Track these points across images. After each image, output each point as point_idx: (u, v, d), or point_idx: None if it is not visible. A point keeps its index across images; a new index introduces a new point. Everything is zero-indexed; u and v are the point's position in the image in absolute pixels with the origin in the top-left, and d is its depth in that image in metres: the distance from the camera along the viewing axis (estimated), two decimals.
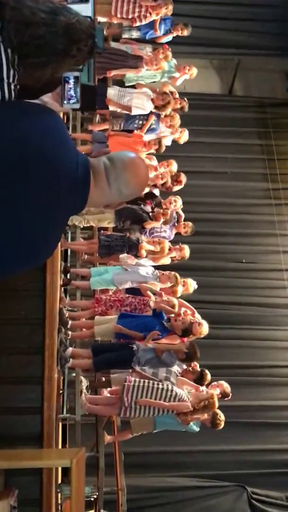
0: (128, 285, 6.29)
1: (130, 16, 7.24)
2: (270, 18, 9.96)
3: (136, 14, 7.22)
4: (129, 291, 6.26)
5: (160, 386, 5.20)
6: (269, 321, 9.38)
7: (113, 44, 7.38)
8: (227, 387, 5.74)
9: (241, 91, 11.01)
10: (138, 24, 7.34)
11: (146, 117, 7.05)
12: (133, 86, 7.33)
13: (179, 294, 6.43)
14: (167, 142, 7.34)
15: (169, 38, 7.67)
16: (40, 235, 1.94)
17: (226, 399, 5.73)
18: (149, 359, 5.45)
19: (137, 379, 5.22)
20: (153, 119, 7.03)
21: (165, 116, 7.17)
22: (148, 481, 7.70)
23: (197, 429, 5.58)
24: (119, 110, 7.08)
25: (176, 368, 5.50)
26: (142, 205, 6.90)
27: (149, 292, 6.06)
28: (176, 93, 7.59)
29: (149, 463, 7.80)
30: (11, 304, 4.91)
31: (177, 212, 7.25)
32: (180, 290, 6.44)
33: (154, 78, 7.43)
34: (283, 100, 10.64)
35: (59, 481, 5.51)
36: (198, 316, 6.14)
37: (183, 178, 7.46)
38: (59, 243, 4.48)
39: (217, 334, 8.22)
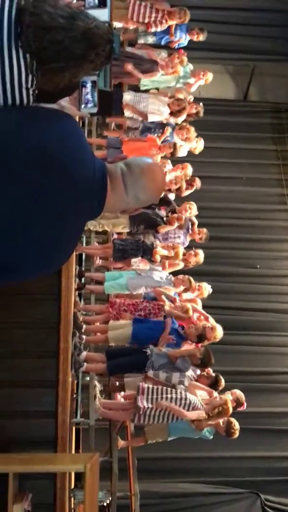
0: (142, 290, 6.29)
1: (146, 21, 7.25)
2: (285, 24, 9.93)
3: (152, 19, 7.23)
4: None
5: (174, 395, 5.16)
6: (284, 327, 9.33)
7: (128, 49, 7.41)
8: (240, 395, 5.69)
9: (256, 96, 10.99)
10: (153, 29, 7.36)
11: (161, 128, 7.06)
12: (149, 91, 7.35)
13: (200, 304, 6.42)
14: (183, 152, 7.35)
15: (183, 43, 7.67)
16: (57, 240, 1.94)
17: (240, 408, 5.68)
18: (163, 364, 5.44)
19: (151, 386, 5.20)
20: (168, 131, 7.05)
21: (181, 128, 7.17)
22: (161, 487, 7.68)
23: (210, 436, 5.56)
24: (135, 116, 7.08)
25: (190, 373, 5.49)
26: (156, 210, 6.90)
27: (163, 297, 6.06)
28: (191, 98, 7.60)
29: (162, 468, 7.78)
30: (26, 308, 4.92)
31: (190, 219, 7.24)
32: (198, 300, 6.45)
33: (169, 83, 7.44)
34: None
35: (73, 486, 5.51)
36: (212, 321, 6.13)
37: (198, 182, 7.45)
38: None
39: (231, 340, 8.19)
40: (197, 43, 7.86)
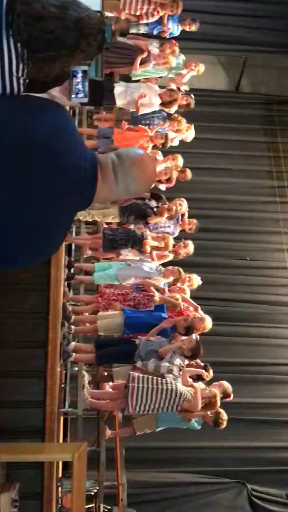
0: (131, 280, 6.29)
1: (138, 13, 7.22)
2: (279, 15, 9.91)
3: (144, 11, 7.20)
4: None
5: (165, 386, 5.15)
6: (273, 318, 9.38)
7: (120, 39, 7.35)
8: (228, 387, 5.72)
9: (248, 88, 10.96)
10: (145, 21, 7.32)
11: (151, 119, 7.04)
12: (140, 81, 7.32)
13: (188, 294, 6.43)
14: (174, 142, 7.34)
15: (175, 33, 7.63)
16: (47, 230, 1.94)
17: (227, 399, 5.71)
18: (151, 351, 5.45)
19: (141, 378, 5.20)
20: (166, 124, 7.05)
21: (172, 120, 7.15)
22: (149, 476, 7.72)
23: (198, 427, 5.59)
24: (126, 106, 7.05)
25: (179, 362, 5.50)
26: (146, 200, 6.89)
27: (152, 288, 6.07)
28: (187, 88, 7.56)
29: (149, 458, 7.81)
30: (15, 298, 4.93)
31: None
32: (187, 289, 6.46)
33: (161, 73, 7.41)
34: None
35: (60, 475, 5.53)
36: (201, 312, 6.14)
37: (189, 174, 7.44)
38: None
39: (220, 331, 8.22)
40: (189, 34, 7.82)
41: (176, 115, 7.30)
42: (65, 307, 5.60)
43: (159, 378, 5.22)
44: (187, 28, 7.66)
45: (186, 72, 7.50)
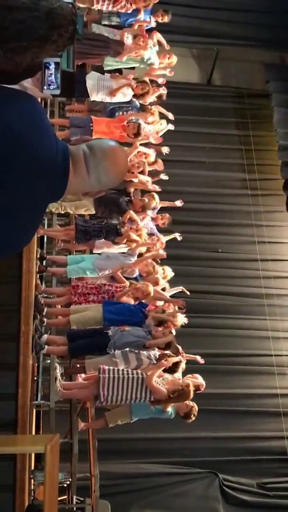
0: (107, 272, 6.31)
1: (110, 8, 7.21)
2: (251, 9, 9.97)
3: (118, 7, 7.20)
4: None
5: (135, 375, 5.21)
6: (245, 310, 9.46)
7: (95, 28, 7.31)
8: (200, 380, 5.78)
9: (220, 81, 11.01)
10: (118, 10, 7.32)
11: (125, 109, 7.04)
12: (113, 71, 7.29)
13: (161, 285, 6.45)
14: (149, 135, 7.35)
15: (149, 25, 7.63)
16: (18, 222, 1.93)
17: (198, 392, 5.77)
18: (126, 343, 5.48)
19: (111, 369, 5.23)
20: (134, 108, 7.05)
21: (145, 111, 7.16)
22: (121, 468, 7.75)
23: (172, 415, 5.63)
24: (100, 98, 7.03)
25: (153, 353, 5.54)
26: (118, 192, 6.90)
27: (120, 275, 6.12)
28: (163, 81, 7.57)
29: (122, 449, 7.85)
30: None
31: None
32: (161, 281, 6.48)
33: (133, 64, 7.40)
34: (262, 91, 10.65)
35: (33, 467, 5.52)
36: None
37: (161, 165, 7.46)
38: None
39: (193, 323, 8.24)
40: (162, 26, 7.82)
41: (149, 106, 7.30)
42: (38, 299, 5.58)
43: (129, 369, 5.26)
44: (159, 20, 7.66)
45: (158, 64, 7.49)
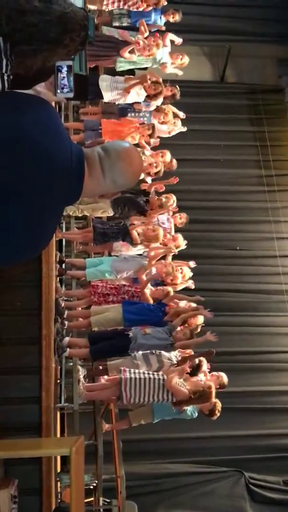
0: (125, 274, 6.31)
1: (121, 6, 7.22)
2: (261, 4, 9.93)
3: (130, 3, 7.21)
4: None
5: (156, 376, 5.21)
6: (264, 307, 9.42)
7: (105, 30, 7.33)
8: (225, 378, 5.77)
9: (233, 77, 10.97)
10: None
11: (138, 112, 7.05)
12: (126, 72, 7.30)
13: (180, 286, 6.45)
14: (162, 134, 7.35)
15: (159, 23, 7.62)
16: (35, 226, 1.94)
17: (221, 390, 5.77)
18: (152, 345, 5.48)
19: (133, 371, 5.24)
20: (147, 112, 7.05)
21: (158, 111, 7.16)
22: (147, 468, 7.76)
23: (195, 415, 5.62)
24: (113, 98, 7.04)
25: (175, 354, 5.54)
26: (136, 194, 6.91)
27: (144, 277, 6.11)
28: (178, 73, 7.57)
29: (147, 450, 7.85)
30: (7, 295, 4.93)
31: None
32: (180, 280, 6.46)
33: (146, 64, 7.39)
34: (275, 86, 10.60)
35: (59, 470, 5.55)
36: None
37: (175, 164, 7.45)
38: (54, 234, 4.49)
39: (212, 321, 8.21)
40: (173, 25, 7.81)
41: (163, 106, 7.29)
42: (58, 303, 5.60)
43: (151, 371, 5.27)
44: (170, 19, 7.65)
45: (170, 62, 7.48)
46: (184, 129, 7.71)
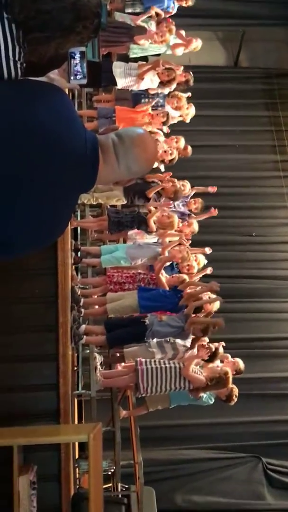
0: (139, 261, 6.31)
1: None
2: None
3: None
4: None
5: (172, 365, 5.23)
6: (281, 293, 9.38)
7: (118, 16, 7.28)
8: (242, 364, 5.78)
9: (247, 62, 10.87)
10: None
11: (151, 96, 7.01)
12: (139, 59, 7.26)
13: (195, 271, 6.43)
14: (175, 120, 7.30)
15: (170, 9, 7.55)
16: (51, 214, 1.95)
17: (238, 375, 5.78)
18: (167, 333, 5.49)
19: (148, 361, 5.27)
20: (160, 98, 7.01)
21: (172, 97, 7.12)
22: (165, 454, 7.79)
23: (211, 401, 5.64)
24: (127, 84, 7.00)
25: (188, 342, 5.55)
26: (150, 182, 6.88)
27: (158, 265, 6.10)
28: (180, 68, 7.50)
29: (164, 436, 7.88)
30: (24, 284, 4.96)
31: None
32: (195, 267, 6.44)
33: (159, 50, 7.35)
34: None
35: (77, 456, 5.59)
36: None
37: (189, 151, 7.41)
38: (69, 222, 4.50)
39: (229, 308, 8.21)
40: (186, 10, 7.74)
41: (176, 92, 7.24)
42: (74, 290, 5.62)
43: (166, 360, 5.29)
44: (183, 4, 7.58)
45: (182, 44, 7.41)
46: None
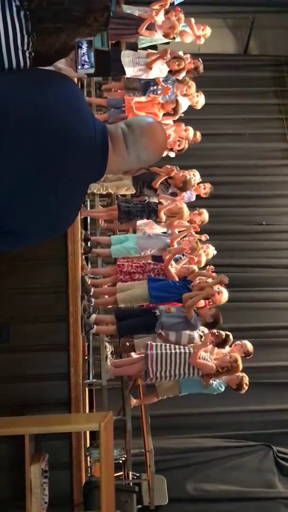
0: (149, 251, 6.31)
1: None
2: None
3: None
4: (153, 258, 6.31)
5: (183, 350, 5.26)
6: None
7: (125, 8, 7.25)
8: (250, 346, 5.79)
9: (257, 49, 10.80)
10: None
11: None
12: (148, 47, 7.23)
13: (203, 263, 6.42)
14: (183, 107, 7.26)
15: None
16: (61, 204, 1.94)
17: (248, 357, 5.79)
18: (173, 324, 5.50)
19: (159, 345, 5.28)
20: (170, 84, 6.97)
21: (181, 83, 7.08)
22: (175, 443, 7.82)
23: (222, 389, 5.65)
24: (136, 74, 6.96)
25: (200, 332, 5.56)
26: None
27: (168, 256, 6.10)
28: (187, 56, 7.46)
29: (175, 425, 7.92)
30: (34, 274, 4.98)
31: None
32: (203, 259, 6.43)
33: (167, 39, 7.30)
34: None
35: (88, 445, 5.63)
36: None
37: (199, 137, 7.38)
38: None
39: (238, 297, 8.23)
40: None
41: (186, 78, 7.20)
42: (84, 280, 5.64)
43: (177, 345, 5.30)
44: None
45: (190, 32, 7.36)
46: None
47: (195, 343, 5.46)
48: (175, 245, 6.25)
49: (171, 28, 6.89)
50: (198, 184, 7.18)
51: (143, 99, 6.85)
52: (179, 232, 6.51)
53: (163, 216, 6.43)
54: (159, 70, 7.02)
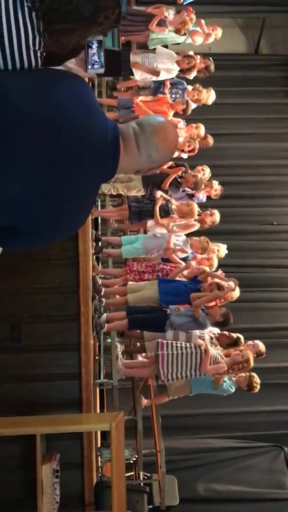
0: (155, 252, 6.30)
1: None
2: None
3: None
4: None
5: (194, 350, 5.25)
6: None
7: (135, 7, 7.26)
8: (262, 346, 5.77)
9: (268, 49, 10.78)
10: None
11: (172, 87, 6.99)
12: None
13: (215, 264, 6.40)
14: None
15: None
16: (72, 204, 1.94)
17: (260, 357, 5.78)
18: (182, 324, 5.49)
19: (169, 344, 5.27)
20: (180, 89, 6.98)
21: (192, 89, 7.08)
22: (186, 443, 7.81)
23: (232, 390, 5.63)
24: (144, 76, 6.96)
25: (211, 333, 5.55)
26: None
27: (176, 258, 6.09)
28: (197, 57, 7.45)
29: (186, 425, 7.91)
30: (45, 274, 4.98)
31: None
32: (215, 260, 6.42)
33: (178, 39, 7.30)
34: None
35: (99, 445, 5.63)
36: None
37: (210, 140, 7.37)
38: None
39: (249, 297, 8.22)
40: None
41: (197, 85, 7.21)
42: (95, 280, 5.64)
43: (188, 343, 5.29)
44: None
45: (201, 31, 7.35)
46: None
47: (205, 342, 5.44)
48: (171, 245, 6.22)
49: (182, 23, 6.86)
50: (208, 180, 7.17)
51: (149, 98, 6.86)
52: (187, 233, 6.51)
53: (159, 218, 6.41)
54: (167, 72, 6.99)
